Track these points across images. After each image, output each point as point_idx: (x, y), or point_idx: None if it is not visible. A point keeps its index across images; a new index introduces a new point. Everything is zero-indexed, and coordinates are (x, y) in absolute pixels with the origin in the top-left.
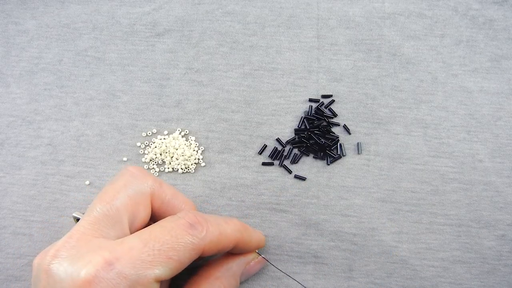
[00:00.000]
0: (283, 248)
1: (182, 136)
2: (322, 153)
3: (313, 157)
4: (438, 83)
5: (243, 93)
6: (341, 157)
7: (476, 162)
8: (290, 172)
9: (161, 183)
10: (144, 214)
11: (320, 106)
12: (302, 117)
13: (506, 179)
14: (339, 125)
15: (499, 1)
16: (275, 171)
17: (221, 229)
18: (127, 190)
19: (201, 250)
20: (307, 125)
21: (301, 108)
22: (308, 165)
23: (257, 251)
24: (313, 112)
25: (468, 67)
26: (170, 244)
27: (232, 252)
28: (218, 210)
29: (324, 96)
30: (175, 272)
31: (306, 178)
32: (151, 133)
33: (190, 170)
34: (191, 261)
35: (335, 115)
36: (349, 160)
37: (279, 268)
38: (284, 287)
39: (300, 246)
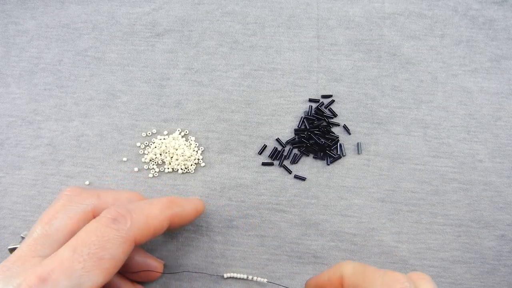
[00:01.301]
0: (283, 248)
1: (182, 136)
2: (322, 153)
3: (313, 157)
4: (438, 83)
5: (243, 93)
6: (341, 157)
7: (476, 162)
8: (290, 172)
9: (99, 195)
10: None
11: (320, 106)
12: (302, 117)
13: (506, 179)
14: (339, 125)
15: (499, 1)
16: (275, 171)
17: (146, 213)
18: (67, 211)
19: (132, 241)
20: (307, 125)
21: (301, 108)
22: (308, 165)
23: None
24: (313, 112)
25: (468, 67)
26: (98, 244)
27: (173, 228)
28: (218, 210)
29: (324, 96)
30: (113, 271)
31: (306, 178)
32: (151, 133)
33: (190, 170)
34: (127, 255)
35: (335, 115)
36: (349, 160)
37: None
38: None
39: (300, 246)
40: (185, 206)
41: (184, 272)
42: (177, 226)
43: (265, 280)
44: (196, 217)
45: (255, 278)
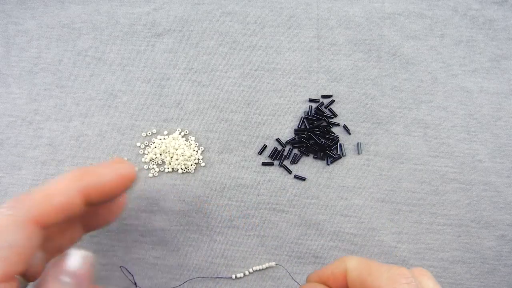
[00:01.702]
0: (283, 248)
1: (182, 136)
2: (322, 153)
3: (313, 157)
4: (438, 83)
5: (243, 93)
6: (341, 157)
7: (476, 162)
8: (290, 172)
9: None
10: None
11: (320, 106)
12: (302, 117)
13: (506, 179)
14: (339, 125)
15: (499, 1)
16: (275, 171)
17: (47, 190)
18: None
19: (32, 222)
20: (307, 125)
21: (301, 108)
22: (308, 165)
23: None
24: (313, 112)
25: (468, 67)
26: None
27: (97, 202)
28: (218, 210)
29: (324, 96)
30: (17, 259)
31: (306, 178)
32: (151, 133)
33: (190, 170)
34: (33, 239)
35: (335, 115)
36: (349, 160)
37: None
38: (284, 287)
39: (300, 246)
40: (103, 173)
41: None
42: (99, 199)
43: (274, 263)
44: (124, 186)
45: (263, 265)
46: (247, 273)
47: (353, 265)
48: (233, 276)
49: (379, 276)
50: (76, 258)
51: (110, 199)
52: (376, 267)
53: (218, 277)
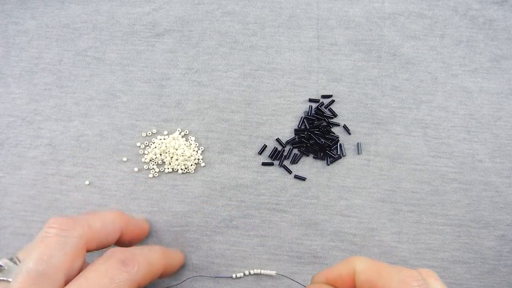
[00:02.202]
0: (283, 248)
1: (182, 136)
2: (322, 153)
3: (313, 157)
4: (438, 83)
5: (243, 93)
6: (341, 157)
7: (476, 162)
8: (290, 172)
9: (89, 224)
10: (79, 263)
11: (320, 106)
12: (302, 117)
13: (506, 179)
14: (339, 125)
15: (499, 1)
16: (275, 171)
17: (149, 260)
18: (62, 246)
19: (137, 285)
20: (307, 125)
21: (301, 108)
22: (308, 165)
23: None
24: (313, 112)
25: (468, 67)
26: (109, 286)
27: (160, 277)
28: (218, 210)
29: (324, 96)
30: None
31: (306, 178)
32: (151, 133)
33: (190, 170)
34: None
35: (335, 115)
36: (349, 160)
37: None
38: (284, 287)
39: (300, 246)
40: (174, 258)
41: (185, 272)
42: (165, 276)
43: (274, 272)
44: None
45: (263, 271)
46: (247, 273)
47: (362, 267)
48: (234, 276)
49: (389, 279)
50: None
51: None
52: (386, 269)
53: (217, 277)
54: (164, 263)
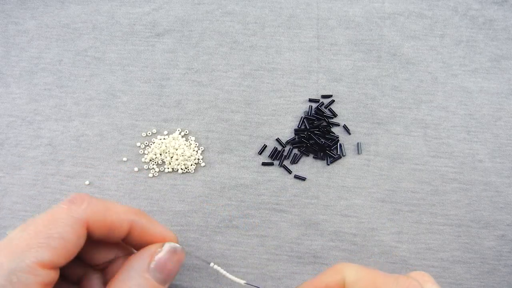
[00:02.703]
0: (283, 248)
1: (182, 136)
2: (322, 153)
3: (313, 157)
4: (438, 83)
5: (243, 93)
6: (341, 157)
7: (476, 162)
8: (290, 172)
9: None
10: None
11: (320, 106)
12: (302, 117)
13: (506, 179)
14: (339, 125)
15: (499, 1)
16: (275, 171)
17: (108, 205)
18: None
19: (84, 222)
20: (307, 125)
21: (301, 108)
22: (308, 165)
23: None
24: (313, 112)
25: (468, 67)
26: (46, 223)
27: (130, 242)
28: (218, 210)
29: (324, 96)
30: (62, 253)
31: (306, 178)
32: (151, 133)
33: (190, 170)
34: (79, 237)
35: (335, 115)
36: (349, 160)
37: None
38: (284, 287)
39: (300, 246)
40: (154, 225)
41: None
42: (137, 238)
43: (243, 282)
44: (164, 241)
45: (231, 277)
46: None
47: (353, 276)
48: (212, 264)
49: None
50: (169, 252)
51: (141, 244)
52: (381, 278)
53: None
54: (132, 220)
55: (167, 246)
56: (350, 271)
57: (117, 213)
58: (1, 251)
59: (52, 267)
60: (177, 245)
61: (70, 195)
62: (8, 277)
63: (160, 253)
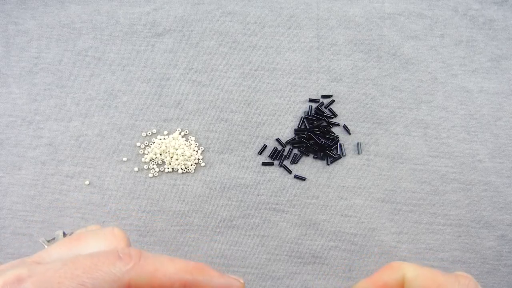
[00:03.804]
0: (283, 248)
1: (182, 136)
2: (322, 153)
3: (313, 157)
4: (438, 83)
5: (243, 93)
6: (341, 157)
7: (476, 162)
8: (290, 172)
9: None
10: None
11: (320, 106)
12: (302, 117)
13: (506, 179)
14: (339, 125)
15: (499, 1)
16: (275, 171)
17: (158, 266)
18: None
19: (126, 284)
20: (307, 125)
21: (301, 108)
22: (308, 165)
23: None
24: (313, 112)
25: (468, 67)
26: (88, 270)
27: None
28: (218, 210)
29: (324, 96)
30: None
31: (306, 178)
32: (151, 133)
33: (190, 170)
34: None
35: (335, 115)
36: (349, 160)
37: None
38: (284, 287)
39: (300, 246)
40: (214, 280)
41: None
42: None
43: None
44: None
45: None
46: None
47: (412, 273)
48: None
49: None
50: None
51: None
52: (441, 277)
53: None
54: (186, 281)
55: None
56: (409, 268)
57: (166, 275)
58: (35, 277)
59: None
60: None
61: (123, 248)
62: None
63: None
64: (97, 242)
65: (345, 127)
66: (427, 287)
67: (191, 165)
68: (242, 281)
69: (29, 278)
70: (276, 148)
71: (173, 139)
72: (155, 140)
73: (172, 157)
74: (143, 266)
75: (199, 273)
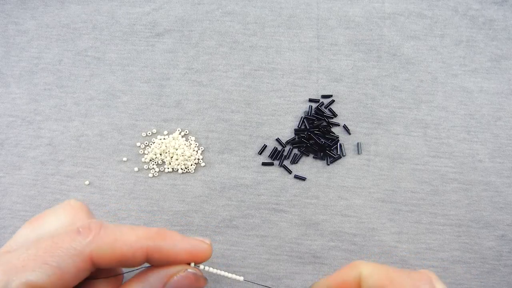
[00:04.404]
0: (283, 248)
1: (182, 136)
2: (322, 153)
3: (313, 157)
4: (438, 83)
5: (243, 93)
6: (341, 157)
7: (476, 162)
8: (290, 172)
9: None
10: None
11: (320, 106)
12: (302, 117)
13: (506, 179)
14: (339, 125)
15: (499, 1)
16: (275, 171)
17: (118, 235)
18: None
19: (88, 257)
20: (307, 125)
21: (301, 108)
22: (308, 165)
23: (194, 264)
24: (313, 112)
25: (468, 67)
26: (49, 249)
27: (153, 264)
28: (218, 210)
29: (324, 96)
30: (54, 280)
31: (306, 178)
32: (151, 133)
33: (190, 170)
34: (79, 270)
35: (335, 115)
36: (349, 160)
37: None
38: (284, 287)
39: (300, 246)
40: (176, 244)
41: None
42: (160, 262)
43: (242, 278)
44: (190, 261)
45: (230, 275)
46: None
47: (368, 271)
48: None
49: (400, 284)
50: (188, 278)
51: (166, 265)
52: (395, 273)
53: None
54: (148, 247)
55: (189, 272)
56: (365, 266)
57: (127, 243)
58: (0, 266)
59: None
60: (199, 273)
61: (83, 223)
62: None
63: (178, 277)
64: (57, 217)
65: (345, 127)
66: (381, 283)
67: (191, 165)
68: (208, 241)
69: None
70: (276, 148)
71: (173, 139)
72: (155, 140)
73: (172, 157)
74: (103, 238)
75: (160, 239)
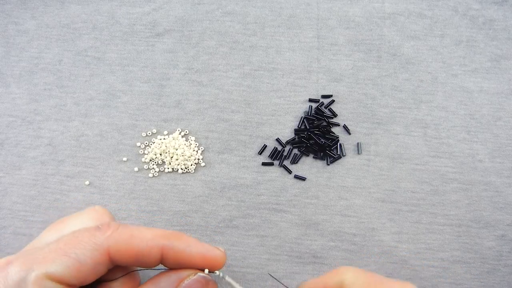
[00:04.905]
0: (283, 248)
1: (182, 136)
2: (322, 153)
3: (313, 157)
4: (438, 83)
5: (243, 93)
6: (341, 157)
7: (476, 162)
8: (290, 172)
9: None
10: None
11: (320, 106)
12: (302, 117)
13: (506, 179)
14: (339, 125)
15: (499, 1)
16: (275, 171)
17: (134, 232)
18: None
19: (105, 251)
20: (307, 125)
21: (301, 108)
22: (308, 165)
23: (207, 271)
24: (313, 112)
25: (468, 67)
26: (69, 242)
27: (168, 266)
28: (218, 210)
29: (324, 96)
30: (74, 272)
31: (306, 178)
32: (151, 133)
33: (190, 170)
34: (97, 263)
35: (335, 115)
36: (349, 160)
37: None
38: (284, 287)
39: (300, 246)
40: (191, 246)
41: None
42: (174, 263)
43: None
44: (204, 266)
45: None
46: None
47: (350, 278)
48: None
49: None
50: (198, 282)
51: (183, 268)
52: (378, 283)
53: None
54: (163, 246)
55: (199, 276)
56: (349, 274)
57: (143, 240)
58: (20, 258)
59: (60, 281)
60: (210, 278)
61: (103, 222)
62: (18, 285)
63: (189, 281)
64: (82, 221)
65: (345, 127)
66: None
67: (191, 165)
68: (222, 249)
69: (16, 260)
70: (276, 148)
71: (173, 139)
72: (155, 140)
73: (172, 157)
74: (120, 233)
75: (175, 239)
